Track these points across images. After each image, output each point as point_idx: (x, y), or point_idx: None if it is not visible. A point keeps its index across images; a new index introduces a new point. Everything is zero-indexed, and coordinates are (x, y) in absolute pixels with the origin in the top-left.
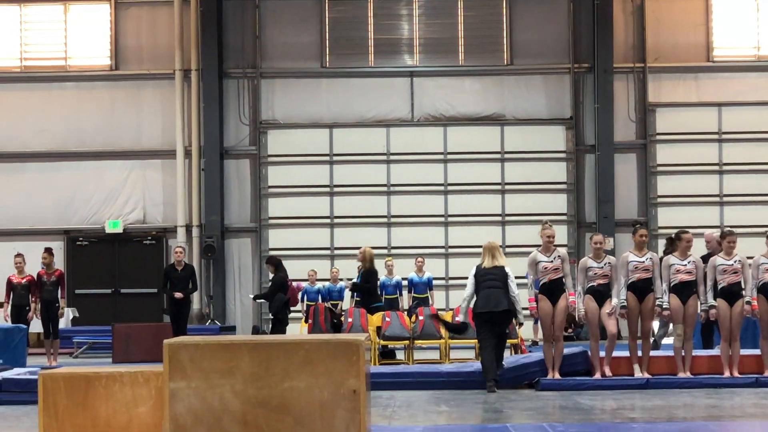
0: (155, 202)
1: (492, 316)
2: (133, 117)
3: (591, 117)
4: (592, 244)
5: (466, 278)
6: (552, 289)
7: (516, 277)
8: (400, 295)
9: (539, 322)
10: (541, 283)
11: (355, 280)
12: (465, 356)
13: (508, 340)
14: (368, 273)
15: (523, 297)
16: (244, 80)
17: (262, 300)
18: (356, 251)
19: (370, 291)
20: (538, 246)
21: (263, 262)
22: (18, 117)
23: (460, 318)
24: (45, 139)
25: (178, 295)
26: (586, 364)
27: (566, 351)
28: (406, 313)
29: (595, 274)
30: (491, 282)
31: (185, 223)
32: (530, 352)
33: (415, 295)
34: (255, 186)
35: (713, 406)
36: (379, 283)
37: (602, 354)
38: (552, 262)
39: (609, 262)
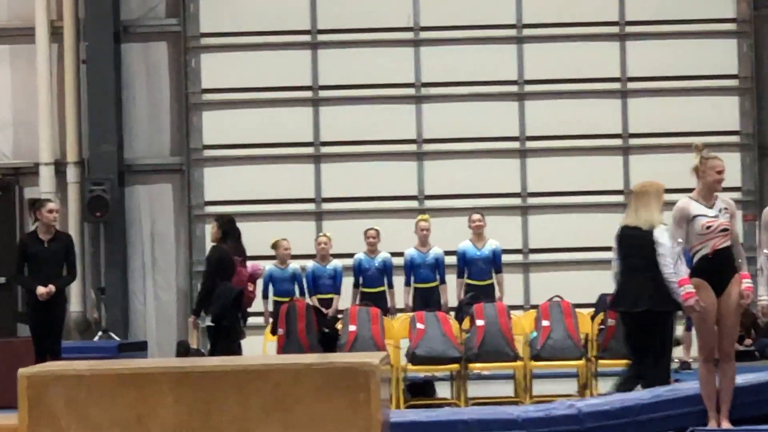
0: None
1: (629, 319)
2: None
3: None
4: None
5: (558, 250)
6: (719, 267)
7: None
8: (389, 287)
9: (693, 327)
10: (699, 255)
11: None
12: (559, 390)
13: None
14: None
15: None
16: None
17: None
18: (359, 203)
19: None
20: (688, 190)
21: (195, 224)
22: None
23: None
24: None
25: (42, 291)
26: None
27: (740, 380)
28: (452, 314)
29: None
30: (631, 258)
31: (53, 158)
32: (677, 381)
33: (470, 281)
34: (178, 90)
35: None
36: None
37: None
38: (718, 217)
39: None
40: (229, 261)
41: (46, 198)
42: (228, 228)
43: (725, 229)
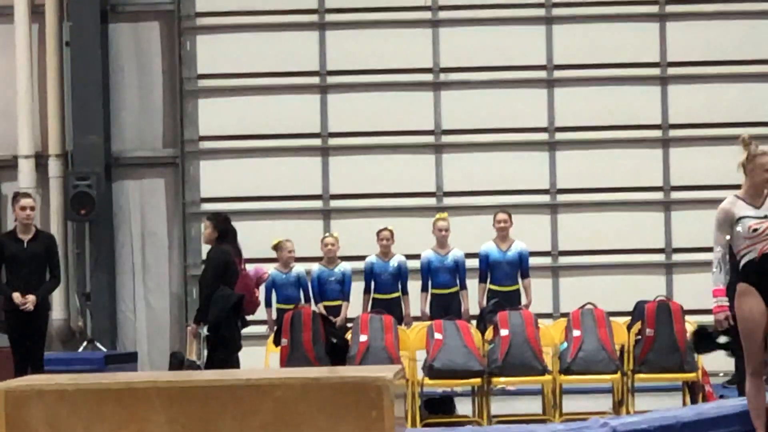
0: None
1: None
2: None
3: None
4: None
5: (590, 252)
6: (766, 273)
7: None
8: (404, 294)
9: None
10: (746, 260)
11: None
12: (592, 407)
13: (681, 375)
14: None
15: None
16: None
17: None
18: (370, 200)
19: None
20: (736, 188)
21: (190, 223)
22: None
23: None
24: None
25: (21, 301)
26: None
27: None
28: (474, 323)
29: None
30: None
31: (34, 150)
32: (722, 397)
33: (493, 286)
34: (171, 76)
35: None
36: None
37: None
38: (766, 217)
39: None
40: (233, 264)
41: (23, 192)
42: (225, 227)
43: None
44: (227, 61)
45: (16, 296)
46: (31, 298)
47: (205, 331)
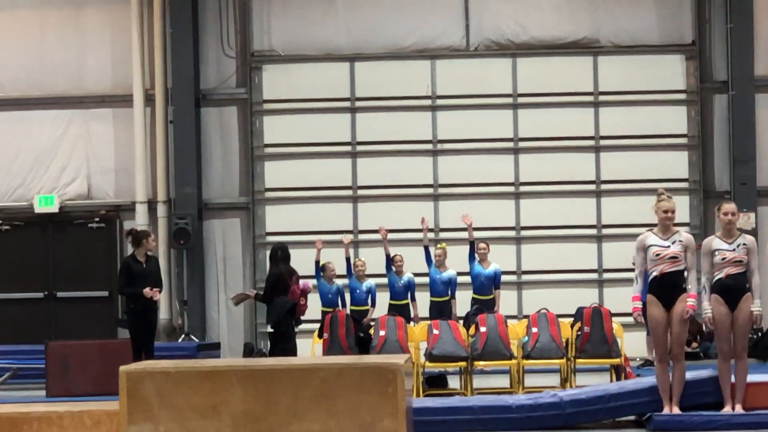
0: (104, 169)
1: None
2: (71, 48)
3: (722, 42)
4: (721, 216)
5: (545, 272)
6: (667, 287)
7: (616, 269)
8: (413, 300)
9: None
10: (651, 276)
11: None
12: (545, 383)
13: (609, 360)
14: None
15: (629, 296)
16: None
17: (245, 299)
18: (390, 235)
19: None
20: (651, 226)
21: (258, 251)
22: None
23: None
24: None
25: (149, 292)
26: (718, 393)
27: (689, 375)
28: (461, 322)
29: (724, 259)
30: None
31: (147, 197)
32: (638, 375)
33: (476, 296)
34: (245, 145)
35: None
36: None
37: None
38: (669, 247)
39: (744, 243)
40: (282, 280)
41: (148, 230)
42: (276, 256)
43: (674, 257)
44: (285, 135)
45: (147, 291)
46: (156, 290)
47: (268, 328)
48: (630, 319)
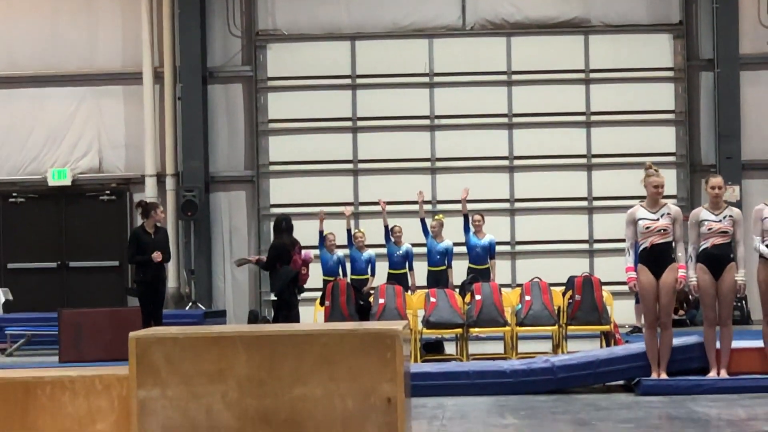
0: (115, 144)
1: None
2: (83, 28)
3: (708, 21)
4: (708, 189)
5: (538, 243)
6: (656, 257)
7: (606, 240)
8: (410, 269)
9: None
10: (641, 248)
11: None
12: (537, 349)
13: (599, 327)
14: None
15: (619, 266)
16: None
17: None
18: (388, 206)
19: None
20: (641, 198)
21: (262, 222)
22: None
23: None
24: None
25: (157, 256)
26: (704, 359)
27: (676, 342)
28: (457, 291)
29: (710, 230)
30: None
31: (156, 171)
32: (627, 342)
33: (471, 265)
34: (250, 120)
35: None
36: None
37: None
38: (658, 220)
39: (730, 215)
40: (286, 250)
41: (156, 202)
42: (278, 227)
43: (663, 230)
44: (288, 111)
45: (155, 255)
46: (159, 253)
47: (272, 296)
48: (619, 288)
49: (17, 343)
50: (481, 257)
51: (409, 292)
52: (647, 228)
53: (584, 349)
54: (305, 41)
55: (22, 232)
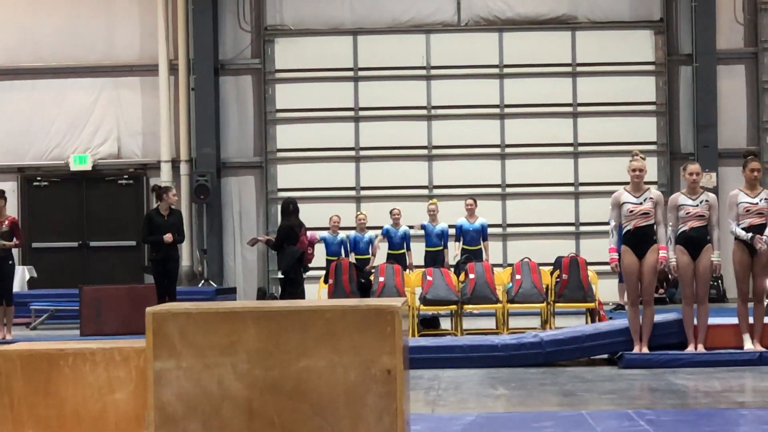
0: (132, 131)
1: None
2: (102, 23)
3: (687, 18)
4: (686, 176)
5: (527, 225)
6: (639, 239)
7: (591, 223)
8: (408, 250)
9: (624, 281)
10: (625, 230)
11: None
12: (527, 325)
13: (584, 304)
14: None
15: (603, 247)
16: None
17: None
18: (388, 191)
19: None
20: (624, 183)
21: (270, 205)
22: None
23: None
24: None
25: (168, 238)
26: (682, 335)
27: (657, 318)
28: (452, 270)
29: (688, 213)
30: None
31: (171, 157)
32: (611, 318)
33: (465, 246)
34: (259, 110)
35: None
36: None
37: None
38: (641, 204)
39: (707, 200)
40: (293, 231)
41: (169, 186)
42: (286, 209)
43: (645, 213)
44: (295, 101)
45: (167, 236)
46: (170, 234)
47: (279, 274)
48: (603, 268)
49: (41, 318)
50: (475, 239)
51: (408, 271)
52: (631, 211)
53: (571, 325)
54: (310, 36)
55: (45, 213)
